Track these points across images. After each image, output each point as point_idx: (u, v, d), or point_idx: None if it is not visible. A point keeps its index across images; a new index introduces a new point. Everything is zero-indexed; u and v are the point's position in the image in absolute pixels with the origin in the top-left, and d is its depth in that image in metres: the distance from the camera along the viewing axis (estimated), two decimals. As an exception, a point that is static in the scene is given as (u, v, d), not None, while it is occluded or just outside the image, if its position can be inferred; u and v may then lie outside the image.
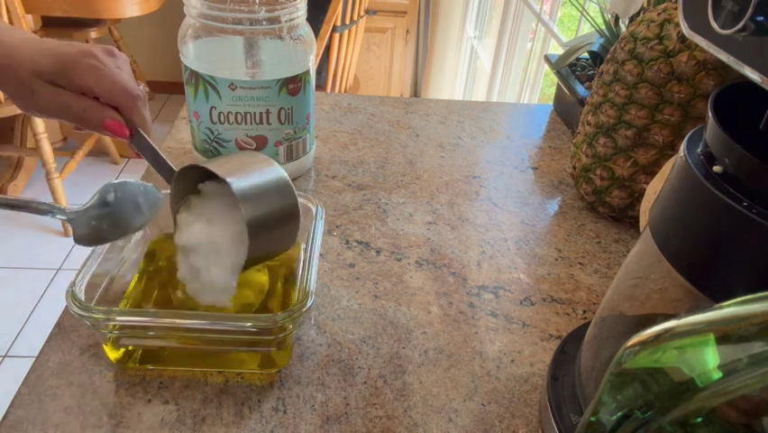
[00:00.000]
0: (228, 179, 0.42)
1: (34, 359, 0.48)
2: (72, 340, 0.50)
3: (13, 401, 0.45)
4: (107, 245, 0.49)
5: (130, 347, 0.48)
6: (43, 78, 0.41)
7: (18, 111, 1.88)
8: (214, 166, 0.44)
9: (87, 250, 0.48)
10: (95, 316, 0.43)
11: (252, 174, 0.44)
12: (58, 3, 1.93)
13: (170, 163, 0.47)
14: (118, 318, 0.44)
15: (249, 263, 0.44)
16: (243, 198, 0.42)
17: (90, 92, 0.42)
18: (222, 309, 0.48)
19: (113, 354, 0.48)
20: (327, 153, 0.81)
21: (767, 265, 0.30)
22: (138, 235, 0.55)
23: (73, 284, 0.45)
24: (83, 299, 0.44)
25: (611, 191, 0.69)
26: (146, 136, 0.46)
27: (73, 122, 0.43)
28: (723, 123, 0.32)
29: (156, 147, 0.46)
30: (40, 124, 1.96)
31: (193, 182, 0.47)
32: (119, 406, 0.45)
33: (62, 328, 0.51)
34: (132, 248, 0.54)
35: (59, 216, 0.43)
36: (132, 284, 0.52)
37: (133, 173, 2.44)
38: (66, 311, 0.52)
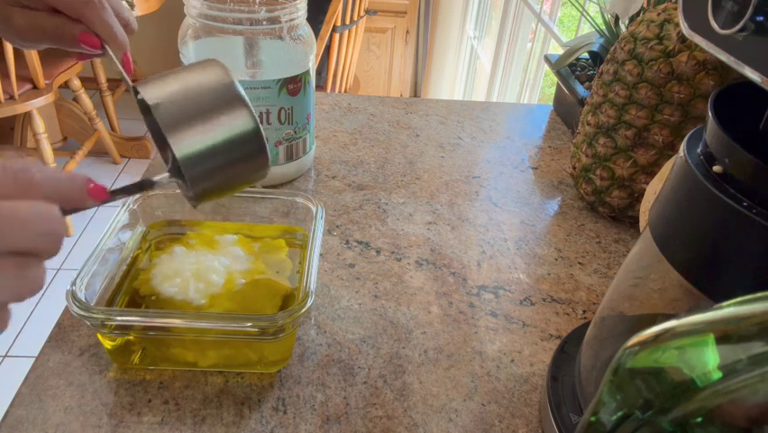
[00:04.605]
0: (153, 107, 0.35)
1: (34, 359, 0.48)
2: (72, 340, 0.50)
3: (13, 401, 0.45)
4: (106, 246, 0.49)
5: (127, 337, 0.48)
6: (12, 3, 0.42)
7: (18, 111, 1.88)
8: (148, 89, 0.36)
9: (88, 250, 0.48)
10: (95, 316, 0.43)
11: (189, 94, 0.37)
12: (58, 3, 1.92)
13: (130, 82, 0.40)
14: (118, 318, 0.44)
15: (201, 197, 0.37)
16: (172, 131, 0.34)
17: (57, 4, 0.42)
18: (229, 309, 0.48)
19: (108, 344, 0.47)
20: (327, 153, 0.81)
21: (767, 265, 0.30)
22: (137, 233, 0.55)
23: (73, 284, 0.45)
24: (83, 299, 0.44)
25: (611, 191, 0.69)
26: (108, 49, 0.43)
27: (52, 42, 0.44)
28: (723, 123, 0.32)
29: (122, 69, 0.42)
30: (40, 124, 1.96)
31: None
32: (119, 406, 0.45)
33: (62, 328, 0.51)
34: (131, 247, 0.54)
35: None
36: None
37: (134, 173, 2.44)
38: (66, 311, 0.52)
